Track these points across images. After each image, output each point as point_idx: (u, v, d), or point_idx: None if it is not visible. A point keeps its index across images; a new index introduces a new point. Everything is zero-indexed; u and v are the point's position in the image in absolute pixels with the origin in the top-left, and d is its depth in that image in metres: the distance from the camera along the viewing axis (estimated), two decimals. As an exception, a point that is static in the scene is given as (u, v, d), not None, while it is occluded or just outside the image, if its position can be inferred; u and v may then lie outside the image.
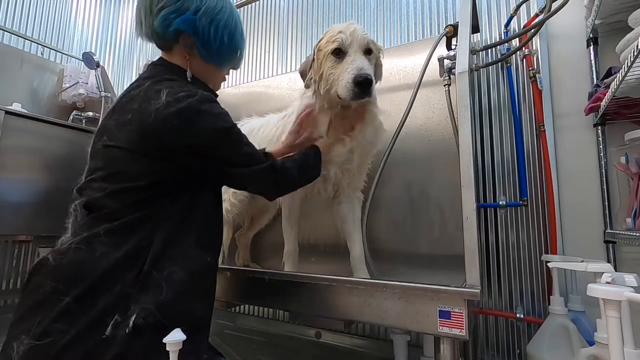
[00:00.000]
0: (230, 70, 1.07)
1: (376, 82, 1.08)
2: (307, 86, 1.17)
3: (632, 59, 0.87)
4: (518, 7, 1.45)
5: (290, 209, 1.33)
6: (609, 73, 1.18)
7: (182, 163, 0.82)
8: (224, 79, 1.07)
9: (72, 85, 2.30)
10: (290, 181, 0.98)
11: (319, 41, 1.12)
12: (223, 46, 0.93)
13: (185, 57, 0.92)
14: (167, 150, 0.80)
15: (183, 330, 0.63)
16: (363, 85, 0.97)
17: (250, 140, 0.93)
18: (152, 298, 0.71)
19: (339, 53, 1.04)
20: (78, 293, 0.69)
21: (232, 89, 2.24)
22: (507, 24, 1.49)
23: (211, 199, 0.91)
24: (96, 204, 0.79)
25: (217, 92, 1.01)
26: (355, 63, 1.00)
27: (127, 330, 0.66)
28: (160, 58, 0.95)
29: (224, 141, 0.85)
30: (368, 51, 1.05)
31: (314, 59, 1.12)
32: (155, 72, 0.90)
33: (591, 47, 1.34)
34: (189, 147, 0.81)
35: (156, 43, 0.93)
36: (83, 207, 0.80)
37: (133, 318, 0.67)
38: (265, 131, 1.44)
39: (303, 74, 1.17)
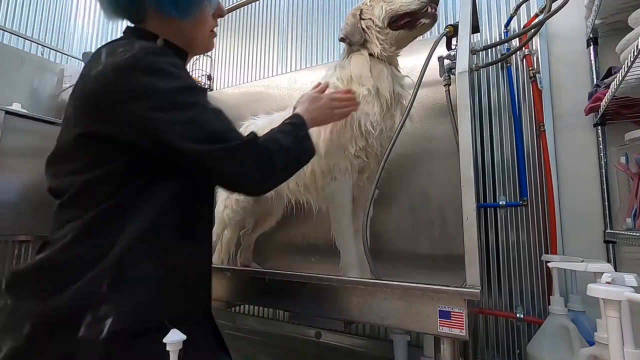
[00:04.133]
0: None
1: None
2: (359, 40, 1.16)
3: (632, 59, 0.87)
4: (518, 7, 1.45)
5: (342, 205, 1.17)
6: (609, 73, 1.18)
7: (132, 143, 0.68)
8: (212, 34, 0.89)
9: (72, 85, 2.30)
10: (281, 163, 0.77)
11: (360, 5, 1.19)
12: None
13: (159, 19, 0.78)
14: (111, 124, 0.68)
15: (148, 338, 0.59)
16: None
17: None
18: (129, 299, 0.63)
19: None
20: (47, 289, 0.64)
21: (232, 89, 2.24)
22: (507, 24, 1.49)
23: (189, 182, 0.75)
24: (57, 192, 0.73)
25: (210, 54, 0.89)
26: None
27: (102, 336, 0.60)
28: (127, 27, 0.82)
29: (179, 103, 0.68)
30: None
31: (361, 12, 1.17)
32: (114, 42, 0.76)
33: (591, 47, 1.34)
34: (131, 111, 0.66)
35: (126, 16, 0.81)
36: (50, 194, 0.74)
37: (109, 323, 0.60)
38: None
39: (352, 31, 1.17)
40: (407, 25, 1.13)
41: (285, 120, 0.90)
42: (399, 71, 1.22)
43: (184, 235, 0.73)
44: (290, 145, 0.80)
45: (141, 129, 0.67)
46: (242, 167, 0.71)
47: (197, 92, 0.73)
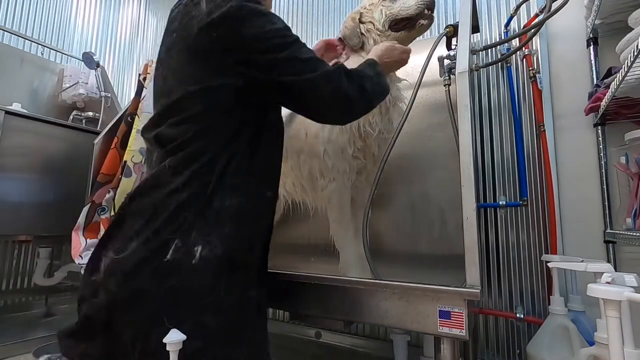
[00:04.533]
0: None
1: None
2: (357, 44, 1.19)
3: (632, 59, 0.87)
4: (518, 7, 1.45)
5: (340, 206, 1.18)
6: (609, 73, 1.18)
7: (236, 80, 0.75)
8: None
9: (72, 85, 2.30)
10: (369, 86, 0.85)
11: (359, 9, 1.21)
12: None
13: None
14: (216, 66, 0.74)
15: (242, 267, 0.71)
16: None
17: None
18: (216, 231, 0.71)
19: None
20: (147, 217, 0.72)
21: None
22: (507, 24, 1.49)
23: (271, 131, 0.85)
24: (163, 139, 0.79)
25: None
26: None
27: (193, 261, 0.68)
28: None
29: (279, 44, 0.75)
30: None
31: (360, 16, 1.19)
32: None
33: (591, 47, 1.34)
34: (240, 55, 0.74)
35: None
36: (155, 141, 0.80)
37: (199, 249, 0.69)
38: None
39: (351, 35, 1.19)
40: (407, 27, 1.15)
41: (362, 63, 0.96)
42: (396, 75, 1.22)
43: (265, 182, 0.83)
44: (373, 75, 0.89)
45: (251, 69, 0.74)
46: (339, 89, 0.79)
47: (290, 30, 0.80)
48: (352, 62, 1.18)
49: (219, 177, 0.74)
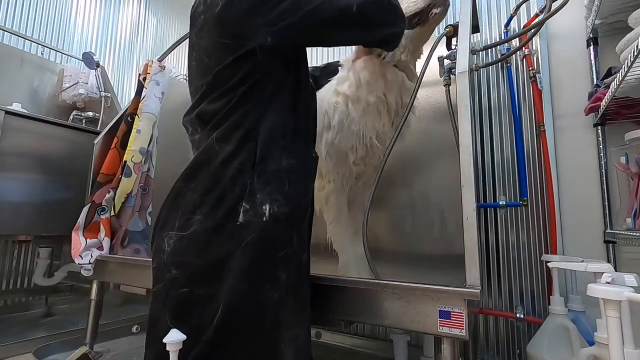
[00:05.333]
0: None
1: None
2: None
3: (632, 59, 0.87)
4: (518, 7, 1.46)
5: (336, 207, 1.18)
6: (609, 73, 1.18)
7: (266, 40, 0.78)
8: None
9: (72, 85, 2.30)
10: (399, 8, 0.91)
11: None
12: None
13: None
14: (244, 32, 0.77)
15: (295, 224, 0.76)
16: None
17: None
18: (279, 190, 0.75)
19: None
20: (207, 188, 0.75)
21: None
22: (507, 24, 1.49)
23: (306, 92, 0.89)
24: (205, 115, 0.82)
25: None
26: None
27: (264, 218, 0.72)
28: None
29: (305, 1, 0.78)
30: None
31: None
32: None
33: (591, 47, 1.34)
34: (265, 12, 0.77)
35: None
36: (197, 120, 0.84)
37: (267, 207, 0.73)
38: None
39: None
40: (420, 22, 1.10)
41: None
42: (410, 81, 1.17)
43: (309, 142, 0.89)
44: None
45: (279, 19, 0.77)
46: (380, 15, 0.86)
47: None
48: (360, 64, 1.17)
49: (267, 141, 0.77)
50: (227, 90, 0.79)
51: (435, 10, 1.06)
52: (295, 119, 0.83)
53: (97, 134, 1.78)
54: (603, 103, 1.13)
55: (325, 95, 1.19)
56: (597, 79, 1.29)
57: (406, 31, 1.09)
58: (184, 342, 0.62)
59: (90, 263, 1.39)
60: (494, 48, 1.50)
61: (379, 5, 0.87)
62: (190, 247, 0.73)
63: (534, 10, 1.45)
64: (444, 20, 1.62)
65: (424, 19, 1.09)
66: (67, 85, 2.31)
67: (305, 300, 0.80)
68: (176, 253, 0.74)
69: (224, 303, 0.69)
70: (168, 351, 0.61)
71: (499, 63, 1.48)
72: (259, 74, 0.79)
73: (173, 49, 1.85)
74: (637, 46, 0.84)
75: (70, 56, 2.50)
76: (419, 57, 1.20)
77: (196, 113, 0.84)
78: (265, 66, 0.80)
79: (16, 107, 1.90)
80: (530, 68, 1.40)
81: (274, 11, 0.77)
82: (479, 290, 0.72)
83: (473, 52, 1.29)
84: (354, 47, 1.21)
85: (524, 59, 1.44)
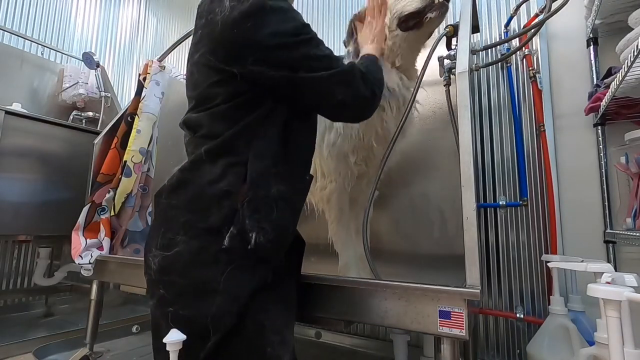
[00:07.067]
0: None
1: None
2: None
3: (632, 59, 0.87)
4: (518, 7, 1.46)
5: (338, 207, 1.18)
6: (609, 73, 1.18)
7: (254, 76, 0.76)
8: None
9: (72, 85, 2.30)
10: (378, 81, 0.88)
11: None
12: None
13: None
14: (236, 61, 0.75)
15: (280, 247, 0.76)
16: None
17: None
18: (266, 217, 0.74)
19: None
20: (189, 207, 0.75)
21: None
22: (507, 24, 1.49)
23: (300, 117, 0.85)
24: (189, 122, 0.82)
25: None
26: None
27: (249, 246, 0.71)
28: None
29: (299, 41, 0.77)
30: None
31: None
32: None
33: (591, 47, 1.34)
34: (257, 53, 0.74)
35: None
36: (185, 127, 0.84)
37: (254, 235, 0.71)
38: None
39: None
40: (415, 25, 1.09)
41: (366, 57, 0.98)
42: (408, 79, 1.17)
43: (301, 167, 0.86)
44: (378, 74, 0.92)
45: (271, 67, 0.75)
46: (355, 87, 0.81)
47: (309, 27, 0.81)
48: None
49: (256, 166, 0.76)
50: (213, 107, 0.78)
51: (429, 15, 1.05)
52: (286, 148, 0.80)
53: (97, 134, 1.78)
54: (603, 103, 1.13)
55: None
56: (597, 79, 1.29)
57: (401, 34, 1.10)
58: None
59: (90, 263, 1.39)
60: (494, 48, 1.50)
61: (377, 100, 0.88)
62: (175, 267, 0.73)
63: (534, 10, 1.45)
64: (444, 21, 1.63)
65: (418, 23, 1.08)
66: (67, 85, 2.31)
67: (292, 304, 0.82)
68: (162, 272, 0.74)
69: (212, 324, 0.69)
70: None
71: (499, 63, 1.48)
72: (247, 100, 0.78)
73: (173, 49, 1.85)
74: (637, 46, 0.84)
75: (70, 56, 2.50)
76: (416, 60, 1.20)
77: (184, 120, 0.84)
78: (253, 95, 0.78)
79: (16, 107, 1.90)
80: (530, 68, 1.40)
81: (281, 55, 0.76)
82: (479, 290, 0.72)
83: (473, 52, 1.29)
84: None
85: (524, 59, 1.44)
